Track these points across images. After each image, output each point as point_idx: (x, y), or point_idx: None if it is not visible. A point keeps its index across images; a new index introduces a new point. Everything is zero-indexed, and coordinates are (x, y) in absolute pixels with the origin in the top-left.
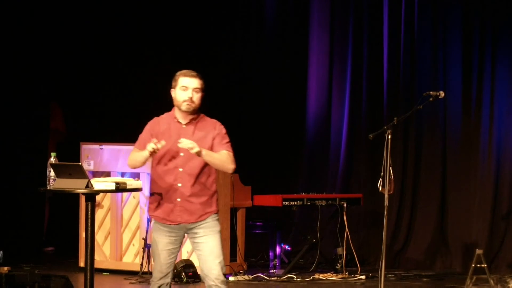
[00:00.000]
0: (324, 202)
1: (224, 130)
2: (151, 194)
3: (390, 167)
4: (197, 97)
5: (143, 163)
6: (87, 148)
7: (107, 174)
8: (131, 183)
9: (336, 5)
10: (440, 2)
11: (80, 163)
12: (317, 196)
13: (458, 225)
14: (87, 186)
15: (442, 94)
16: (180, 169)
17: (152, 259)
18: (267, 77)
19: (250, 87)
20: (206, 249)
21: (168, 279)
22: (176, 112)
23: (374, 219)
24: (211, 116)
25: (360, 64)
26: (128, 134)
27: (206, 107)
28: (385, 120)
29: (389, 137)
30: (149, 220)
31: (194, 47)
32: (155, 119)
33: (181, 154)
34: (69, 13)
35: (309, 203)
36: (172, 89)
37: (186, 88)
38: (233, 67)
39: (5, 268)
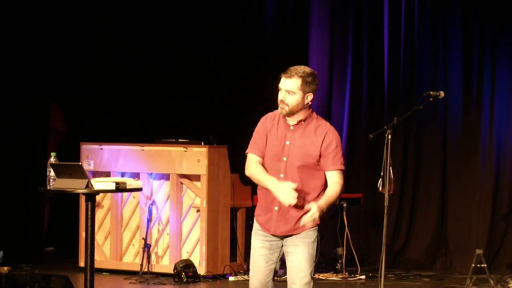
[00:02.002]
0: None
1: (336, 141)
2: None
3: (390, 167)
4: (290, 99)
5: None
6: (87, 148)
7: (107, 174)
8: (131, 183)
9: (336, 5)
10: (440, 2)
11: (80, 163)
12: None
13: (458, 225)
14: (87, 186)
15: (442, 94)
16: (282, 175)
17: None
18: (267, 77)
19: (250, 87)
20: (293, 261)
21: None
22: None
23: (374, 219)
24: (212, 115)
25: (360, 64)
26: (128, 134)
27: (206, 107)
28: (385, 120)
29: (389, 137)
30: (149, 220)
31: (194, 47)
32: (265, 116)
33: (284, 158)
34: (69, 13)
35: None
36: None
37: (281, 89)
38: (233, 67)
39: (5, 268)
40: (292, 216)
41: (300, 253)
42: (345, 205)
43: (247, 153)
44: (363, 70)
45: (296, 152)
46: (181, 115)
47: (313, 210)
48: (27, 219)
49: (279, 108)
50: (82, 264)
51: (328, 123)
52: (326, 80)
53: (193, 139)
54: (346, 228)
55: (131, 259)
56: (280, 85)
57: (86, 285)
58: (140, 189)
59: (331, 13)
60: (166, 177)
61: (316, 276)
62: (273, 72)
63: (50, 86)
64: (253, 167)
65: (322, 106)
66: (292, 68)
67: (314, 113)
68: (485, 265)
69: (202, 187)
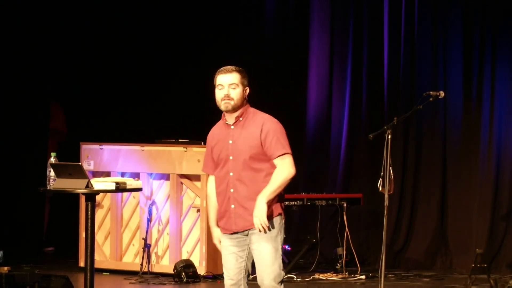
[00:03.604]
0: (324, 202)
1: (273, 128)
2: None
3: (390, 167)
4: (235, 93)
5: None
6: (87, 148)
7: (107, 174)
8: (131, 183)
9: (336, 5)
10: (440, 2)
11: (80, 163)
12: (317, 196)
13: (458, 225)
14: (87, 186)
15: (442, 94)
16: (231, 174)
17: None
18: (267, 77)
19: (250, 87)
20: (257, 257)
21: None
22: (224, 113)
23: (374, 219)
24: (212, 115)
25: (360, 64)
26: (128, 134)
27: (206, 107)
28: (385, 120)
29: (389, 137)
30: (149, 220)
31: (194, 47)
32: (211, 131)
33: (231, 157)
34: (69, 13)
35: (309, 203)
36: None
37: (223, 86)
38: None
39: (5, 268)
40: (248, 211)
41: (263, 249)
42: (345, 205)
43: (202, 171)
44: (363, 70)
45: (239, 148)
46: (181, 115)
47: (258, 204)
48: (27, 219)
49: (222, 105)
50: (82, 264)
51: (265, 114)
52: (326, 80)
53: (193, 139)
54: (346, 228)
55: (131, 259)
56: (219, 82)
57: (86, 285)
58: (140, 189)
59: (331, 13)
60: (166, 177)
61: (316, 276)
62: (273, 72)
63: (50, 86)
64: (208, 198)
65: (322, 106)
66: (224, 67)
67: (251, 108)
68: (485, 265)
69: (202, 187)
